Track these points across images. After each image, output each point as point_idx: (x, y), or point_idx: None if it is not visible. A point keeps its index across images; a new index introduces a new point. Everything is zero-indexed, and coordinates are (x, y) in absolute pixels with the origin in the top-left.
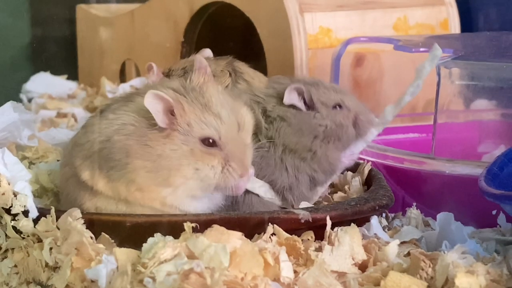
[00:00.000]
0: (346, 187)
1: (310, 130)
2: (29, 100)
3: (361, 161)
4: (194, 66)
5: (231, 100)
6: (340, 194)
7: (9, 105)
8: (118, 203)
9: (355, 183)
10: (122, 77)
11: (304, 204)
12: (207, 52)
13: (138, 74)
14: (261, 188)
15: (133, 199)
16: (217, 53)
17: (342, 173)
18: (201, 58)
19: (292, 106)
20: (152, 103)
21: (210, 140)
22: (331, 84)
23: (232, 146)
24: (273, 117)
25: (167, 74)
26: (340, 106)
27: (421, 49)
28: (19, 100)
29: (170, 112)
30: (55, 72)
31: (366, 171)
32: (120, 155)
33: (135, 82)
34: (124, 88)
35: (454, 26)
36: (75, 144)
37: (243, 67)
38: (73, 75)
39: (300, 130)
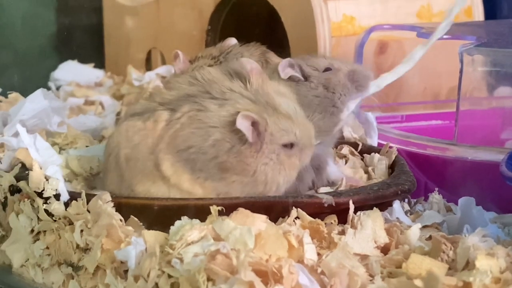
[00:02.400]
0: (370, 168)
1: (308, 104)
2: (57, 88)
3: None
4: (244, 68)
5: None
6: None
7: (39, 92)
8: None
9: (381, 166)
10: (148, 66)
11: (324, 189)
12: (233, 41)
13: (163, 63)
14: None
15: None
16: (242, 41)
17: (368, 154)
18: (248, 60)
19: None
20: (243, 123)
21: (291, 144)
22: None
23: (305, 138)
24: None
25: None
26: (330, 69)
27: (444, 36)
28: (48, 88)
29: (252, 125)
30: (83, 60)
31: (393, 156)
32: (217, 170)
33: (161, 70)
34: (150, 76)
35: (478, 13)
36: (164, 139)
37: (274, 58)
38: (100, 64)
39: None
